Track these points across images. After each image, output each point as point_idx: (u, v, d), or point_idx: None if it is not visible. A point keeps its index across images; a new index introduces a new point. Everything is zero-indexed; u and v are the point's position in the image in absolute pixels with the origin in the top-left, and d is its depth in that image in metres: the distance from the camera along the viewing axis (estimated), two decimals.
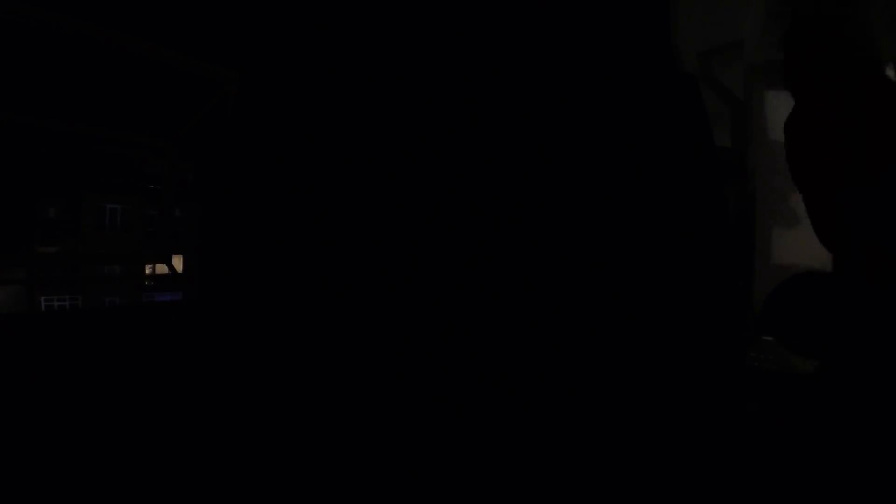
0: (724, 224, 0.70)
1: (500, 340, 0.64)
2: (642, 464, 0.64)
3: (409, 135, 0.68)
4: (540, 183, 0.65)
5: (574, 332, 0.63)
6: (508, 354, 0.64)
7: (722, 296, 0.68)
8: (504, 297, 0.64)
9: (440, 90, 0.68)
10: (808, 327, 1.25)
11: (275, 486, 0.69)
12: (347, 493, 0.65)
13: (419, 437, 0.64)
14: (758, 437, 1.13)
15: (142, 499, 0.79)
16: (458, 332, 0.64)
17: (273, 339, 0.72)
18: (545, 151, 0.66)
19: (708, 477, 0.67)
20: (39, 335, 1.57)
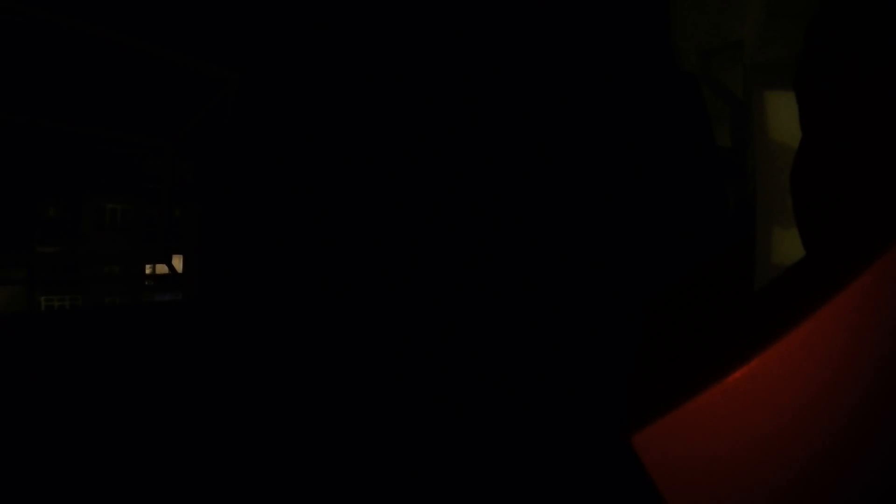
0: (723, 224, 0.70)
1: (500, 340, 0.64)
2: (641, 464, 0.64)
3: (409, 135, 0.68)
4: (540, 183, 0.65)
5: (574, 332, 0.63)
6: (508, 354, 0.64)
7: (722, 295, 0.68)
8: (504, 298, 0.64)
9: (440, 90, 0.68)
10: None
11: (274, 486, 0.69)
12: (347, 493, 0.65)
13: (419, 437, 0.64)
14: None
15: (141, 498, 0.79)
16: (458, 333, 0.64)
17: (273, 339, 0.72)
18: (545, 151, 0.66)
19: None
20: (39, 335, 1.56)
